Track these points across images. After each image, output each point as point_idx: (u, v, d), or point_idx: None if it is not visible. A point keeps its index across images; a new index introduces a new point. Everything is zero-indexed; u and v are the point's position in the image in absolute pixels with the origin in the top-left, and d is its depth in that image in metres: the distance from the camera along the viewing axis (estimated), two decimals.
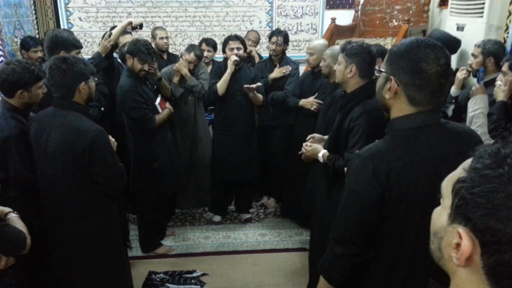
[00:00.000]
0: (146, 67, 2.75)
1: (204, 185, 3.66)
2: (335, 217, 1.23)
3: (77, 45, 2.68)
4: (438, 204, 0.69)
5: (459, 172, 0.61)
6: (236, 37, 3.20)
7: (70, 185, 1.91)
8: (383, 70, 1.17)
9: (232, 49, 3.17)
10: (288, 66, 3.41)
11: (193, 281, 2.76)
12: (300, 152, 2.25)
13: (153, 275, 2.80)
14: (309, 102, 3.09)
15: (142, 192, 2.95)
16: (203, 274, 2.84)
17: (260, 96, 3.21)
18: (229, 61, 3.15)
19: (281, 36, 3.38)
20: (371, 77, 1.95)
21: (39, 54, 3.24)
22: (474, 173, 0.57)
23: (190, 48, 3.30)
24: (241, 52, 3.20)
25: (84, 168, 1.88)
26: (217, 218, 3.56)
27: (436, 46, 1.09)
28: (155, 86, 2.98)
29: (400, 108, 1.14)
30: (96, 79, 2.05)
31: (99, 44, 3.11)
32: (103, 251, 2.03)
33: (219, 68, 3.30)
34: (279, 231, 3.41)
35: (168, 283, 2.73)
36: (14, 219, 1.65)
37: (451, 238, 0.60)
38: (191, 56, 3.25)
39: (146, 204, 2.99)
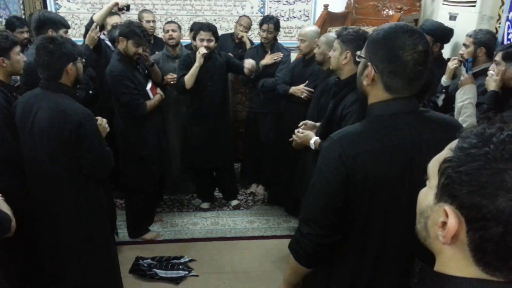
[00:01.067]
0: (140, 50, 2.70)
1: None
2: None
3: (65, 24, 2.61)
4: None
5: (446, 152, 0.62)
6: (209, 28, 3.00)
7: (56, 168, 1.88)
8: (362, 56, 1.16)
9: (202, 40, 2.99)
10: (280, 52, 3.37)
11: (180, 266, 2.76)
12: (291, 139, 2.23)
13: (141, 260, 2.79)
14: (300, 89, 3.07)
15: (130, 177, 2.92)
16: (191, 260, 2.84)
17: (251, 62, 3.11)
18: (197, 53, 2.99)
19: (271, 23, 3.33)
20: None
21: (25, 35, 3.16)
22: (460, 152, 0.58)
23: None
24: (212, 44, 3.01)
25: (70, 151, 1.85)
26: (205, 205, 3.55)
27: (414, 33, 1.07)
28: (146, 71, 2.93)
29: (376, 95, 1.14)
30: (84, 60, 2.01)
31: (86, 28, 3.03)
32: (90, 235, 2.01)
33: (189, 58, 3.13)
34: (267, 218, 3.43)
35: (156, 268, 2.73)
36: None
37: (437, 216, 0.60)
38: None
39: (134, 190, 2.96)
